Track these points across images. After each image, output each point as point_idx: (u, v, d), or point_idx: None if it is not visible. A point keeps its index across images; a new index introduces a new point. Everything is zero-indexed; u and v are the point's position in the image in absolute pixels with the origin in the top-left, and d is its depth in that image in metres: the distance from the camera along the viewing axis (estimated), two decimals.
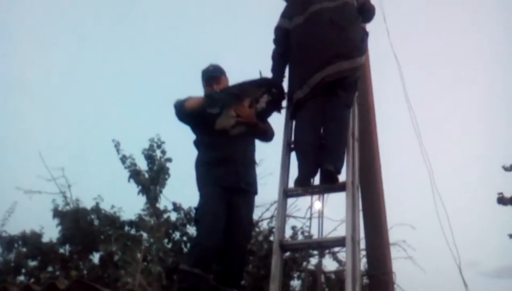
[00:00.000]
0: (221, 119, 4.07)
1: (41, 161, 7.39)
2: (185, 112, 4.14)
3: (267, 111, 4.24)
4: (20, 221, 7.78)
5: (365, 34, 4.12)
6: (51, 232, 7.49)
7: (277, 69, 4.12)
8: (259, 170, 7.67)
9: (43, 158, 7.37)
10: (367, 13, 4.21)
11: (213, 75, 4.26)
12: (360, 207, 4.14)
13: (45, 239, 7.56)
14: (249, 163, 4.19)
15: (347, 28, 3.90)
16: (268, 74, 4.13)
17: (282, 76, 4.15)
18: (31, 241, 7.52)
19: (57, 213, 7.55)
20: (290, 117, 4.07)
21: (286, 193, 3.86)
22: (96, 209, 7.47)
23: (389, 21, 4.79)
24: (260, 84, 4.11)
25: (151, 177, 7.37)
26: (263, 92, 4.14)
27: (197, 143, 4.25)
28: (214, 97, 4.05)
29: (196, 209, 4.06)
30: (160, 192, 7.35)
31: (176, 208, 7.58)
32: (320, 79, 3.79)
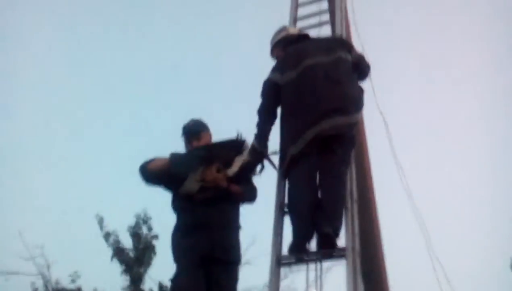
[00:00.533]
0: (186, 184, 3.70)
1: (20, 240, 6.97)
2: (149, 174, 3.78)
3: (243, 174, 3.82)
4: None
5: (361, 90, 3.91)
6: None
7: (262, 125, 3.86)
8: (256, 248, 7.49)
9: (23, 236, 6.95)
10: (363, 70, 4.01)
11: (192, 130, 3.95)
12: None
13: None
14: (227, 229, 3.69)
15: (343, 83, 3.68)
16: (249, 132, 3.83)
17: (268, 132, 3.86)
18: None
19: None
20: (283, 176, 3.76)
21: (279, 262, 3.47)
22: None
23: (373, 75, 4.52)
24: (231, 147, 3.81)
25: (136, 256, 6.94)
26: (234, 154, 3.80)
27: (172, 207, 3.85)
28: (178, 160, 3.74)
29: (171, 280, 3.62)
30: (145, 272, 6.89)
31: (163, 289, 7.08)
32: (315, 134, 3.52)
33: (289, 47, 3.95)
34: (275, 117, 3.85)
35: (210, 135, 4.00)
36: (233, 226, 3.76)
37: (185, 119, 4.04)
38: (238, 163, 3.78)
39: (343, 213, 3.48)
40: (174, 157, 3.76)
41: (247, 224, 3.96)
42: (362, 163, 4.81)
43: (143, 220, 7.20)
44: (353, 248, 3.34)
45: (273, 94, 3.86)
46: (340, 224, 3.41)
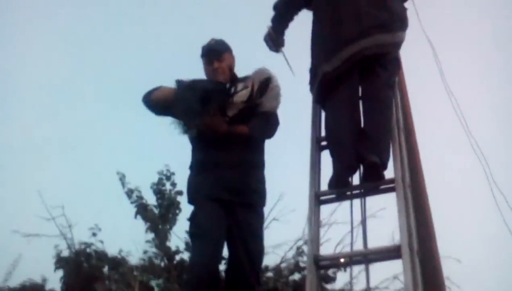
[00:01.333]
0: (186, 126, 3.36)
1: (40, 200, 6.71)
2: (152, 104, 3.42)
3: (248, 111, 3.39)
4: (23, 270, 7.17)
5: (404, 8, 3.44)
6: (55, 278, 6.77)
7: (279, 19, 3.47)
8: (280, 205, 7.19)
9: (42, 197, 6.68)
10: None
11: (214, 49, 3.51)
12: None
13: (49, 287, 6.85)
14: (242, 168, 3.29)
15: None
16: None
17: (284, 27, 3.53)
18: None
19: (59, 261, 6.82)
20: (315, 100, 3.33)
21: (318, 198, 3.08)
22: (101, 253, 6.74)
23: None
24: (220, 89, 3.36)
25: (161, 214, 6.65)
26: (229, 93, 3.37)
27: (190, 140, 3.50)
28: (179, 96, 3.32)
29: (189, 220, 3.28)
30: (170, 229, 6.59)
31: (189, 247, 6.78)
32: (355, 52, 3.09)
33: None
34: (295, 12, 3.48)
35: (233, 58, 3.58)
36: (249, 165, 3.34)
37: None
38: (241, 97, 3.37)
39: (391, 142, 3.07)
40: (178, 91, 3.34)
41: (273, 180, 3.59)
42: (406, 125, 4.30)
43: (166, 176, 6.87)
44: (403, 180, 2.93)
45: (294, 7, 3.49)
46: (388, 153, 3.00)
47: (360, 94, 3.19)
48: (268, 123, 3.44)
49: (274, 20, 3.55)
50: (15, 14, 11.61)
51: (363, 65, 3.14)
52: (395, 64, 3.30)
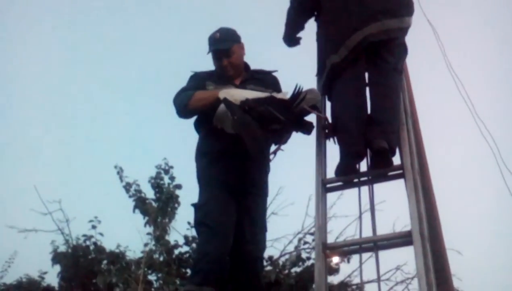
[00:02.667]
0: (222, 119, 3.17)
1: (37, 195, 6.61)
2: (189, 112, 3.32)
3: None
4: (19, 266, 7.11)
5: None
6: (52, 273, 6.69)
7: (292, 22, 3.41)
8: (280, 199, 7.15)
9: (39, 191, 6.58)
10: None
11: (220, 48, 3.36)
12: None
13: (47, 282, 6.82)
14: (260, 160, 3.23)
15: None
16: None
17: (298, 29, 3.46)
18: (29, 288, 6.73)
19: (56, 256, 6.74)
20: (322, 92, 3.28)
21: (325, 186, 3.02)
22: (99, 248, 6.66)
23: None
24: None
25: (159, 207, 6.57)
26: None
27: (197, 127, 3.41)
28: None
29: (195, 206, 3.21)
30: (170, 222, 6.52)
31: (188, 242, 6.72)
32: (361, 39, 3.04)
33: None
34: (308, 16, 3.40)
35: (242, 47, 3.47)
36: (264, 158, 3.27)
37: None
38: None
39: (399, 128, 3.01)
40: (236, 114, 3.00)
41: (272, 175, 3.55)
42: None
43: (164, 170, 6.79)
44: (412, 166, 2.88)
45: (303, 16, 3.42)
46: (396, 139, 2.95)
47: (367, 80, 3.14)
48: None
49: (287, 24, 3.49)
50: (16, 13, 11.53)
51: (370, 51, 3.09)
52: (402, 50, 3.24)
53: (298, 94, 3.02)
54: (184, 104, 3.26)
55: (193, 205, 3.22)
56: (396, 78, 3.10)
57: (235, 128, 3.01)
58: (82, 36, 11.85)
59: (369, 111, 3.07)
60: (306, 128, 3.15)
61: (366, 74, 3.17)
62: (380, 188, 3.07)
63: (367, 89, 3.14)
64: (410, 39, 3.30)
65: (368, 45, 3.06)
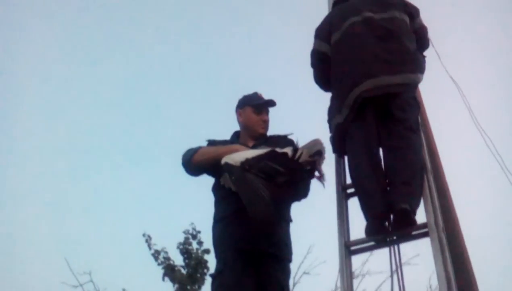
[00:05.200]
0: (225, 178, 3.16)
1: (67, 268, 6.66)
2: (194, 168, 3.30)
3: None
4: None
5: (421, 55, 3.37)
6: None
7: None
8: (311, 258, 7.02)
9: (69, 263, 6.63)
10: (422, 42, 3.48)
11: (272, 101, 3.45)
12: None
13: None
14: (276, 220, 3.12)
15: (395, 39, 3.17)
16: None
17: None
18: None
19: None
20: (333, 151, 3.27)
21: (349, 248, 2.97)
22: None
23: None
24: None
25: (189, 273, 6.53)
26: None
27: (214, 191, 3.36)
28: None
29: (212, 276, 3.14)
30: (199, 288, 6.46)
31: None
32: (356, 96, 3.02)
33: (335, 6, 3.50)
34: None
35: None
36: (283, 218, 3.24)
37: None
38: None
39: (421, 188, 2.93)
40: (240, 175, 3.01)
41: (302, 234, 3.51)
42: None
43: (192, 235, 6.79)
44: (436, 223, 2.81)
45: (322, 65, 3.42)
46: (418, 202, 2.87)
47: (382, 140, 3.11)
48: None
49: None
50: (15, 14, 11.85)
51: (378, 109, 3.06)
52: (413, 104, 3.18)
53: (297, 148, 3.07)
54: (188, 158, 3.28)
55: (210, 275, 3.19)
56: (410, 138, 3.04)
57: (235, 189, 3.00)
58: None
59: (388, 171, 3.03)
60: (314, 176, 3.15)
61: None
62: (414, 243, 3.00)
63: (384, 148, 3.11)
64: None
65: (369, 101, 3.03)
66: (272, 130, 3.51)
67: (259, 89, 3.54)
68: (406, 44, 3.19)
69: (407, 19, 3.30)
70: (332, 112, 3.23)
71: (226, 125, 3.58)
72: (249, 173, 2.93)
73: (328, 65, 3.35)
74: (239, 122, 3.51)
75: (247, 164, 2.95)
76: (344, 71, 3.17)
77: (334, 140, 3.21)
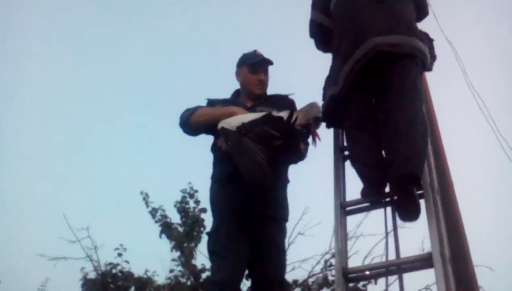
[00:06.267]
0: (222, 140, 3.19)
1: (65, 223, 6.72)
2: (191, 129, 3.34)
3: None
4: None
5: (425, 35, 3.24)
6: None
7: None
8: (306, 219, 7.10)
9: (67, 219, 6.69)
10: (421, 10, 3.39)
11: (268, 60, 3.43)
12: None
13: None
14: (272, 184, 3.09)
15: (395, 2, 3.09)
16: None
17: None
18: None
19: (86, 283, 6.81)
20: (326, 124, 3.25)
21: (344, 209, 3.00)
22: (128, 273, 6.71)
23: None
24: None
25: (185, 232, 6.61)
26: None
27: (212, 151, 3.38)
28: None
29: (208, 234, 3.21)
30: (196, 246, 6.54)
31: None
32: (352, 66, 2.94)
33: None
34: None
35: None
36: (280, 179, 3.27)
37: None
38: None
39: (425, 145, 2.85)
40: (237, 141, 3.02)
41: (297, 195, 3.52)
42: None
43: (189, 194, 6.84)
44: (432, 185, 2.83)
45: (320, 34, 3.40)
46: (422, 165, 2.79)
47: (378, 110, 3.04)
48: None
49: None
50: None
51: (375, 80, 2.98)
52: (412, 69, 2.99)
53: (293, 111, 3.06)
54: (185, 119, 3.31)
55: (207, 233, 3.24)
56: (415, 83, 2.95)
57: (231, 154, 3.02)
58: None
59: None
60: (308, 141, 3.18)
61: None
62: None
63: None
64: None
65: (364, 70, 2.95)
66: (275, 90, 3.51)
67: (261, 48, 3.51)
68: (402, 11, 3.10)
69: None
70: (327, 83, 3.19)
71: (231, 82, 3.57)
72: (245, 137, 2.95)
73: (326, 34, 3.33)
74: (238, 81, 3.50)
75: (243, 129, 2.98)
76: (340, 40, 3.12)
77: (328, 112, 3.15)
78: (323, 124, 3.28)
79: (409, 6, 3.21)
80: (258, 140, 2.94)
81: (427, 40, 3.22)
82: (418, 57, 3.01)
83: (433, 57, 3.26)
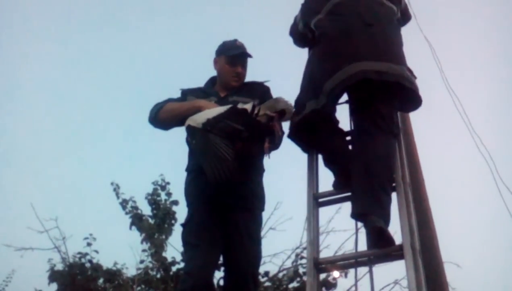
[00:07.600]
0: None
1: (33, 213, 6.59)
2: (160, 124, 3.30)
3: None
4: (16, 285, 7.10)
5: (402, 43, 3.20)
6: None
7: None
8: (278, 214, 7.11)
9: (35, 209, 6.56)
10: (406, 16, 3.48)
11: (246, 53, 3.38)
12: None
13: None
14: (246, 172, 3.10)
15: (386, 26, 3.09)
16: None
17: None
18: None
19: (53, 274, 6.70)
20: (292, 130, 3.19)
21: (317, 200, 3.01)
22: (96, 266, 6.62)
23: None
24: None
25: (156, 224, 6.56)
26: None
27: (187, 143, 3.32)
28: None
29: (182, 225, 3.19)
30: (166, 239, 6.49)
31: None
32: (338, 82, 2.90)
33: None
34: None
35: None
36: (250, 171, 3.23)
37: None
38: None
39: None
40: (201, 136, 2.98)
41: (270, 188, 3.52)
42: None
43: (161, 186, 6.78)
44: (403, 178, 2.87)
45: (299, 40, 3.46)
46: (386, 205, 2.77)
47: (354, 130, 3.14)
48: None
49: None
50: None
51: (357, 100, 3.04)
52: (394, 105, 3.04)
53: (255, 104, 3.04)
54: (153, 115, 3.28)
55: (181, 224, 3.21)
56: (389, 140, 2.96)
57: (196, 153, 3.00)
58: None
59: None
60: (273, 133, 3.09)
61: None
62: None
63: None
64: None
65: (348, 89, 2.96)
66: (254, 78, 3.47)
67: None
68: (391, 36, 3.10)
69: (394, 8, 3.23)
70: (306, 96, 3.09)
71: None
72: (211, 134, 2.92)
73: (307, 41, 3.37)
74: (215, 69, 3.47)
75: (208, 125, 2.94)
76: (325, 52, 3.08)
77: (300, 124, 3.08)
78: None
79: (398, 31, 3.23)
80: (224, 135, 2.92)
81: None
82: (405, 85, 2.93)
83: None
